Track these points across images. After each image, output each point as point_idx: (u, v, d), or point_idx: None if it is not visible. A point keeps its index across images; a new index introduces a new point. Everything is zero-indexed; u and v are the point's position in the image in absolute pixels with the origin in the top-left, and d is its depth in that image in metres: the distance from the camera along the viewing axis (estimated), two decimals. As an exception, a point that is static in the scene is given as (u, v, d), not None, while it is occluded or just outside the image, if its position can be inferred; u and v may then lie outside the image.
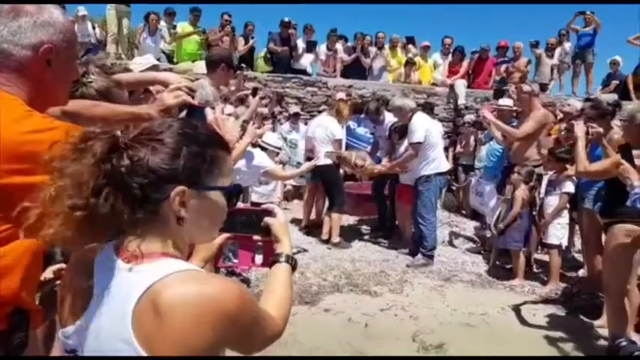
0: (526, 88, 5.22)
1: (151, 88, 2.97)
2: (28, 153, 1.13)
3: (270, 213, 1.32)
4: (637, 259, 3.34)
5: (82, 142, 0.92)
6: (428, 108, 7.45)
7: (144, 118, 2.03)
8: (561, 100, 8.60)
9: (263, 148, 4.84)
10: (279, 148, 5.50)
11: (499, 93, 8.33)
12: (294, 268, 1.30)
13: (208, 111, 2.09)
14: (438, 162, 5.30)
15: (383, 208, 6.31)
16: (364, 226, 6.67)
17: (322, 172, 5.70)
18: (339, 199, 5.76)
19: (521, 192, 4.81)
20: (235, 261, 1.46)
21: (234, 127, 1.88)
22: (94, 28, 9.60)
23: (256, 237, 1.34)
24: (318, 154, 5.54)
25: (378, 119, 6.03)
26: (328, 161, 5.57)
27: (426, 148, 5.17)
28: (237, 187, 1.09)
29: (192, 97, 2.31)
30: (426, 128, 5.22)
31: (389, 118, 5.95)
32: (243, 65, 8.79)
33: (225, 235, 1.33)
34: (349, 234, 6.15)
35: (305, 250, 5.54)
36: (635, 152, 3.30)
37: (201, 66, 4.50)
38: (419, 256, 5.21)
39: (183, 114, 2.16)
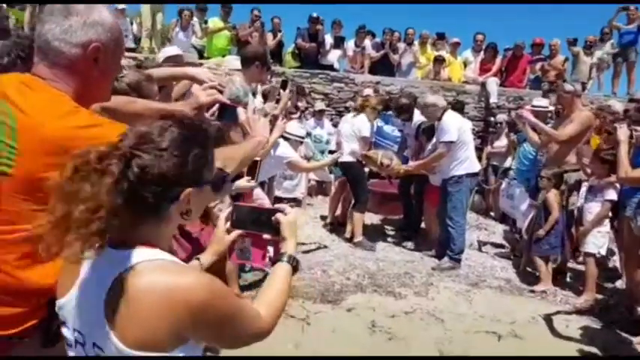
0: (568, 87, 4.97)
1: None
2: (72, 148, 1.13)
3: (282, 212, 1.34)
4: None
5: (99, 161, 0.95)
6: (458, 106, 7.23)
7: (177, 115, 2.05)
8: (600, 101, 8.28)
9: (285, 138, 4.78)
10: (302, 138, 5.45)
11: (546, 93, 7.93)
12: (295, 268, 1.30)
13: (240, 111, 2.06)
14: (469, 162, 5.08)
15: (409, 208, 6.14)
16: (388, 226, 6.53)
17: (345, 168, 5.63)
18: (363, 197, 5.59)
19: (554, 196, 4.60)
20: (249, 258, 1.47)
21: (265, 126, 1.87)
22: (131, 23, 9.70)
23: (266, 235, 1.34)
24: (342, 150, 5.45)
25: (408, 117, 5.85)
26: (352, 158, 5.44)
27: (457, 147, 4.96)
28: (224, 175, 1.17)
29: (222, 93, 2.28)
30: (459, 127, 5.00)
31: (417, 117, 5.80)
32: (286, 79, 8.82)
33: (238, 231, 1.37)
34: (373, 233, 6.00)
35: (325, 247, 5.47)
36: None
37: (230, 61, 4.45)
38: (445, 259, 5.02)
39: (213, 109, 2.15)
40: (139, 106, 1.95)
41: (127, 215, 0.97)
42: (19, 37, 2.45)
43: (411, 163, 5.48)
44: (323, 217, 6.62)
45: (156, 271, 0.95)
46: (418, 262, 5.17)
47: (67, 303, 1.04)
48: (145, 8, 9.34)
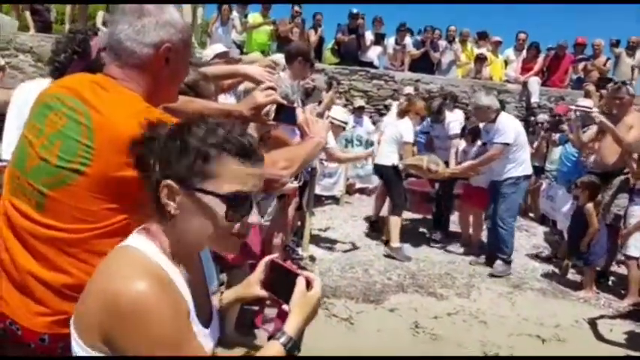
0: (631, 90, 4.85)
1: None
2: None
3: (309, 282, 1.12)
4: None
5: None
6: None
7: (235, 115, 2.08)
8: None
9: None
10: (346, 123, 5.35)
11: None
12: (290, 354, 1.05)
13: (299, 111, 2.07)
14: (526, 164, 5.05)
15: (440, 209, 6.07)
16: (421, 228, 6.48)
17: (381, 171, 5.53)
18: (399, 200, 5.39)
19: (591, 207, 4.55)
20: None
21: (323, 128, 1.83)
22: None
23: (285, 307, 1.11)
24: (381, 151, 5.41)
25: (439, 118, 5.73)
26: (388, 162, 5.30)
27: (515, 149, 4.91)
28: (237, 196, 1.00)
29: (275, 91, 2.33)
30: (516, 129, 4.95)
31: (449, 118, 5.75)
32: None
33: (264, 292, 1.20)
34: (408, 233, 5.96)
35: (366, 246, 5.53)
36: None
37: (270, 57, 4.54)
38: (499, 262, 4.92)
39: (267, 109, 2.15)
40: (198, 105, 1.94)
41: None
42: (72, 32, 2.55)
43: (459, 166, 5.34)
44: (361, 217, 6.67)
45: (113, 265, 0.97)
46: (459, 263, 5.20)
47: None
48: (186, 4, 9.53)
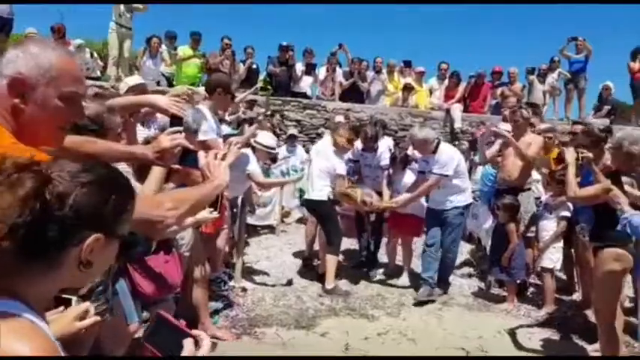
0: (526, 113, 5.25)
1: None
2: None
3: (196, 340, 1.13)
4: (625, 282, 3.40)
5: (16, 170, 0.87)
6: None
7: (139, 157, 2.11)
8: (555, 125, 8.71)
9: (253, 148, 4.74)
10: (272, 148, 5.11)
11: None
12: None
13: (201, 155, 2.14)
14: (469, 191, 5.11)
15: (366, 242, 5.88)
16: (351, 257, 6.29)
17: (315, 206, 5.25)
18: (336, 238, 5.13)
19: (513, 226, 4.82)
20: None
21: (225, 172, 1.88)
22: (92, 55, 9.75)
23: None
24: (313, 186, 5.14)
25: (373, 146, 5.56)
26: (323, 196, 5.05)
27: (458, 178, 4.92)
28: (137, 238, 1.09)
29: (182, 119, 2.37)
30: (456, 158, 4.93)
31: (381, 147, 5.66)
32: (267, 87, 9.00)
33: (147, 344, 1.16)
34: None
35: (299, 273, 5.54)
36: (623, 179, 3.39)
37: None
38: (438, 290, 4.98)
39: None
40: (98, 146, 1.90)
41: (14, 248, 0.85)
42: None
43: (399, 199, 5.12)
44: (297, 244, 6.71)
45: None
46: (391, 282, 5.33)
47: None
48: (112, 36, 9.38)
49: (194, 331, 1.16)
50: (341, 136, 5.19)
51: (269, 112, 8.39)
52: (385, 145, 5.94)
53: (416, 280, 5.27)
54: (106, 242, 0.96)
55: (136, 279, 2.70)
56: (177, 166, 2.13)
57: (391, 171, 5.65)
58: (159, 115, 3.17)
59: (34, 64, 1.30)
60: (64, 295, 1.33)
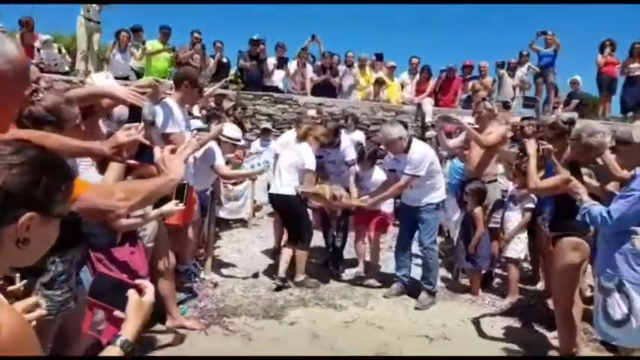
0: (489, 105, 5.37)
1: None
2: None
3: (140, 290, 1.27)
4: (583, 270, 3.51)
5: None
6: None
7: (95, 153, 2.13)
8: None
9: (218, 141, 4.70)
10: (237, 140, 5.01)
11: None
12: (128, 354, 1.18)
13: (156, 150, 2.17)
14: (443, 188, 4.96)
15: (332, 239, 5.73)
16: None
17: (283, 202, 5.05)
18: (307, 234, 5.02)
19: (479, 212, 4.94)
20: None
21: (180, 165, 1.92)
22: (60, 51, 9.59)
23: (117, 312, 1.26)
24: (281, 180, 5.02)
25: (334, 142, 5.37)
26: (291, 190, 4.92)
27: (432, 175, 4.75)
28: (75, 216, 1.14)
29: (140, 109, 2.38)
30: (429, 156, 4.71)
31: (345, 143, 5.52)
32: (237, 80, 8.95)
33: (93, 300, 1.31)
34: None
35: (270, 265, 5.56)
36: (582, 170, 3.50)
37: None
38: (424, 295, 4.70)
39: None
40: (53, 141, 1.92)
41: None
42: None
43: (370, 200, 4.90)
44: (269, 237, 6.72)
45: None
46: (359, 277, 5.38)
47: None
48: (81, 29, 9.26)
49: (136, 281, 1.28)
50: (314, 130, 5.15)
51: (238, 107, 8.35)
52: (348, 139, 5.85)
53: (383, 276, 5.33)
54: (42, 221, 1.00)
55: (99, 269, 2.70)
56: (132, 161, 2.15)
57: (358, 168, 5.51)
58: (117, 108, 3.15)
59: (3, 60, 1.32)
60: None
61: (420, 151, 4.69)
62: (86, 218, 1.51)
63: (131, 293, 1.23)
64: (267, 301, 4.53)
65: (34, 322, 1.26)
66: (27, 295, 1.42)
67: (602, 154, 3.36)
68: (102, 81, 3.88)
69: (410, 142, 4.70)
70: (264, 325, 4.06)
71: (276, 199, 5.13)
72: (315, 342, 3.81)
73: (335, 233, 5.70)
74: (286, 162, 5.07)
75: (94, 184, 1.54)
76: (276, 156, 5.60)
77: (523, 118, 6.60)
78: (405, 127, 5.27)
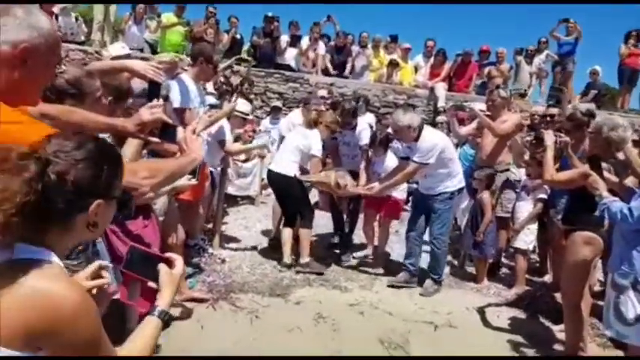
0: (503, 93, 5.30)
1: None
2: None
3: (170, 263, 1.36)
4: (594, 266, 3.48)
5: (20, 159, 1.02)
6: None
7: (119, 129, 2.16)
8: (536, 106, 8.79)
9: (227, 117, 4.72)
10: (247, 114, 5.06)
11: None
12: (166, 323, 1.32)
13: (179, 130, 2.18)
14: (460, 176, 4.76)
15: (341, 223, 5.63)
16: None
17: (280, 181, 4.93)
18: (307, 213, 4.91)
19: (487, 197, 4.91)
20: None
21: (200, 147, 1.98)
22: (76, 19, 9.54)
23: (151, 283, 1.35)
24: (283, 157, 4.95)
25: (352, 123, 5.32)
26: (290, 171, 4.82)
27: (445, 164, 4.60)
28: (130, 195, 1.32)
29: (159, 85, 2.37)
30: (440, 144, 4.55)
31: (361, 125, 5.44)
32: (247, 58, 8.86)
33: (126, 271, 1.38)
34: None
35: (276, 240, 5.40)
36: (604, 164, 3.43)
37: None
38: (429, 283, 4.64)
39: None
40: (79, 116, 1.99)
41: (34, 217, 1.01)
42: None
43: (375, 188, 4.76)
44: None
45: (38, 273, 0.99)
46: (365, 262, 5.38)
47: None
48: (97, 0, 9.24)
49: (166, 254, 1.39)
50: (323, 117, 5.07)
51: (246, 82, 8.26)
52: (365, 122, 5.78)
53: (390, 262, 5.30)
54: (106, 205, 1.15)
55: (114, 243, 2.71)
56: (155, 140, 2.16)
57: (371, 152, 5.38)
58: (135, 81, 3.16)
59: (37, 35, 1.37)
60: None
61: (431, 140, 4.54)
62: None
63: (162, 266, 1.33)
64: (274, 280, 4.55)
65: (94, 290, 1.33)
66: None
67: (622, 148, 3.29)
68: (118, 51, 3.88)
69: (421, 129, 4.55)
70: (270, 302, 4.07)
71: (274, 177, 4.99)
72: (320, 322, 3.81)
73: (344, 217, 5.65)
74: (292, 144, 4.98)
75: None
76: (282, 138, 5.54)
77: (549, 105, 6.50)
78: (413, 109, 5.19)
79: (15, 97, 1.39)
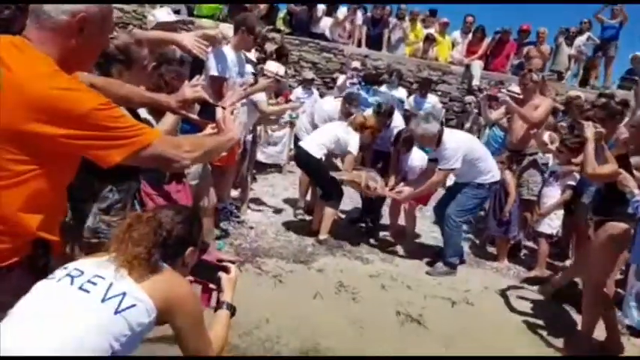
0: (535, 77, 5.23)
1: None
2: (49, 106, 1.33)
3: (227, 270, 1.90)
4: (621, 259, 3.48)
5: (147, 221, 1.60)
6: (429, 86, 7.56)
7: (162, 104, 2.29)
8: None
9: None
10: (280, 77, 5.15)
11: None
12: (233, 313, 1.86)
13: (218, 110, 2.27)
14: (492, 172, 4.67)
15: (368, 203, 5.61)
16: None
17: (305, 160, 5.02)
18: (335, 192, 4.96)
19: (510, 179, 4.90)
20: None
21: (238, 127, 2.08)
22: None
23: (212, 285, 1.88)
24: (314, 137, 5.09)
25: (386, 123, 5.42)
26: (317, 152, 4.89)
27: (474, 164, 4.57)
28: (206, 246, 1.97)
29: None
30: (462, 149, 4.50)
31: (395, 122, 5.51)
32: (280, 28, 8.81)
33: (192, 278, 1.84)
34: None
35: (301, 209, 5.68)
36: (637, 159, 3.40)
37: (224, 28, 4.56)
38: (439, 264, 4.63)
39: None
40: (127, 90, 2.12)
41: (157, 255, 1.56)
42: None
43: (403, 193, 4.81)
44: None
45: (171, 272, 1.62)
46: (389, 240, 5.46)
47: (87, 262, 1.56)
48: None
49: (224, 263, 1.93)
50: (369, 121, 5.16)
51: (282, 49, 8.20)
52: (400, 120, 5.82)
53: (414, 245, 5.26)
54: (194, 250, 1.72)
55: (147, 204, 2.86)
56: (195, 117, 2.27)
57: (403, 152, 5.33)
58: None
59: (92, 2, 1.45)
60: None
61: (452, 145, 4.49)
62: (150, 165, 1.67)
63: (222, 274, 1.88)
64: (297, 247, 4.69)
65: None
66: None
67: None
68: (164, 17, 3.96)
69: (441, 135, 4.49)
70: (293, 268, 4.22)
71: (302, 154, 5.06)
72: (340, 290, 3.95)
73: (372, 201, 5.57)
74: (332, 132, 5.05)
75: (164, 136, 1.66)
76: (312, 115, 5.74)
77: (600, 95, 6.26)
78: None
79: (71, 64, 1.48)
